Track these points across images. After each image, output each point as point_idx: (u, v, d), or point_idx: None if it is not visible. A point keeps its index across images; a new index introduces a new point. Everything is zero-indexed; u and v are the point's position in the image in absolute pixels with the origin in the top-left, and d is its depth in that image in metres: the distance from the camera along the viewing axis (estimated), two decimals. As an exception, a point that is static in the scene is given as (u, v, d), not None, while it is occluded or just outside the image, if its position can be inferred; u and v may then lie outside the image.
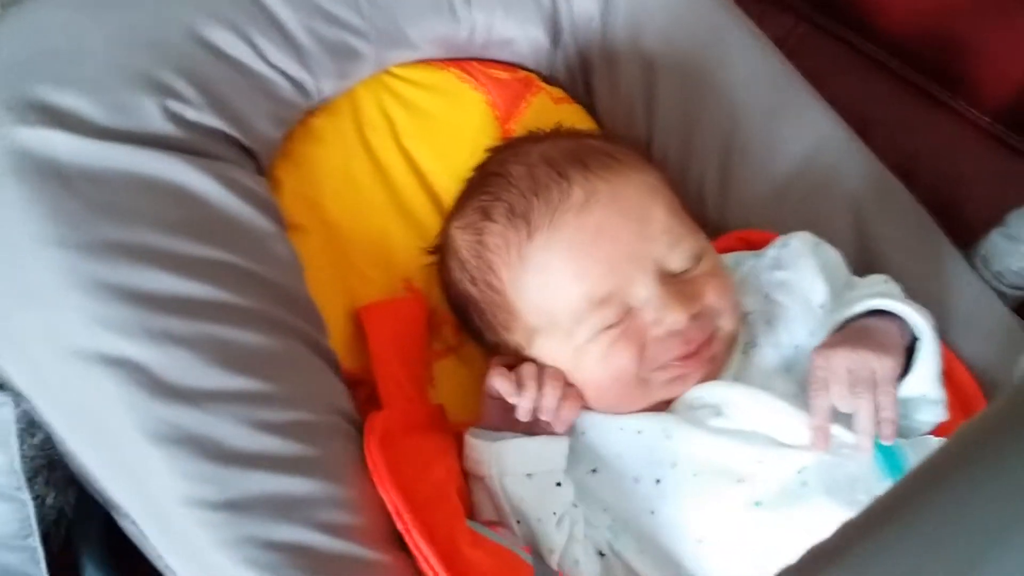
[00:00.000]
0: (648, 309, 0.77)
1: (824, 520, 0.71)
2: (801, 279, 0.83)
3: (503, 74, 0.98)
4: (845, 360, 0.73)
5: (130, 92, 0.76)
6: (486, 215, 0.82)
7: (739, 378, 0.79)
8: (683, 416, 0.78)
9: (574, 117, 1.00)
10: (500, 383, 0.78)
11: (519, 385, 0.78)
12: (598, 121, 1.02)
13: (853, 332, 0.76)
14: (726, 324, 0.80)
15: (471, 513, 0.79)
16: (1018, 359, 0.58)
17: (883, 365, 0.73)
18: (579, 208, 0.78)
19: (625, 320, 0.77)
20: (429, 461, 0.79)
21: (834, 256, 0.87)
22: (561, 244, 0.78)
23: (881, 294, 0.80)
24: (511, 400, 0.78)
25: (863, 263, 0.92)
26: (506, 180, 0.82)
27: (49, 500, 0.90)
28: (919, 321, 0.76)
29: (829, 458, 0.73)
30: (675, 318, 0.76)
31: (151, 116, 0.76)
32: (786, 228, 0.92)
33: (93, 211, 0.72)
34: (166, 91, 0.78)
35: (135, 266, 0.71)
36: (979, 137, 1.12)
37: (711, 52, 0.97)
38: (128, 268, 0.71)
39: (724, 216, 0.96)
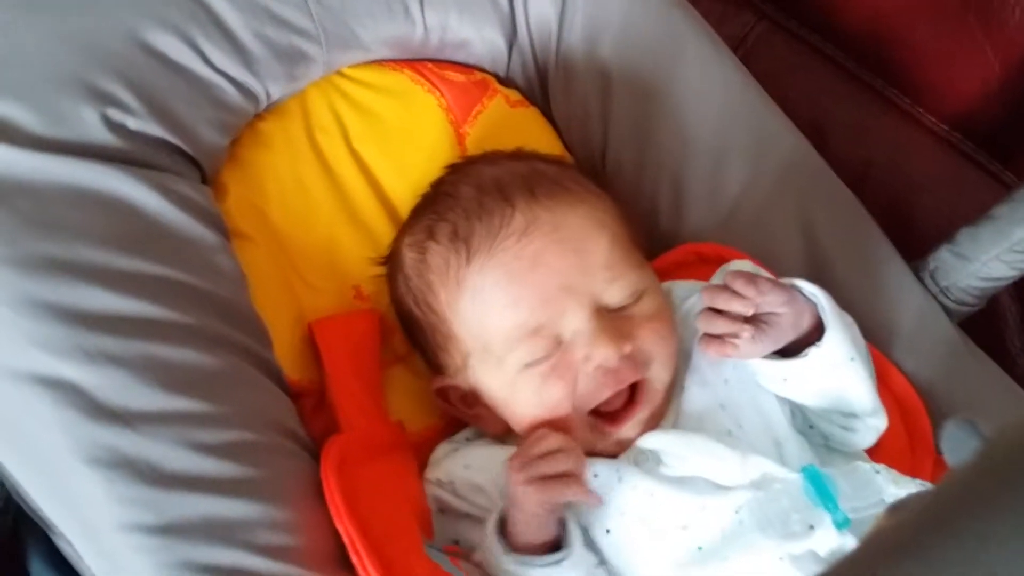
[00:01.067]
0: (579, 343, 0.76)
1: (760, 556, 0.72)
2: None
3: (458, 76, 0.96)
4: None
5: (68, 100, 0.74)
6: (431, 235, 0.81)
7: (676, 424, 0.79)
8: (630, 464, 0.77)
9: (530, 121, 0.99)
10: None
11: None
12: (554, 125, 1.01)
13: None
14: (659, 374, 0.79)
15: (431, 533, 0.79)
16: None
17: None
18: (519, 235, 0.78)
19: (556, 354, 0.77)
20: (388, 486, 0.78)
21: None
22: (498, 271, 0.78)
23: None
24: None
25: (812, 274, 0.91)
26: (454, 200, 0.81)
27: None
28: (822, 299, 0.76)
29: (762, 495, 0.73)
30: (605, 354, 0.75)
31: (90, 125, 0.75)
32: (738, 240, 0.93)
33: (28, 226, 0.70)
34: (106, 99, 0.76)
35: (72, 283, 0.70)
36: (934, 143, 1.12)
37: (667, 62, 0.96)
38: (64, 286, 0.70)
39: (677, 228, 0.96)
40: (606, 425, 0.78)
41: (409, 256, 0.83)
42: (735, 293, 0.73)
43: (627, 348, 0.76)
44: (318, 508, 0.73)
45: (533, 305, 0.76)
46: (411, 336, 0.86)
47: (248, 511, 0.70)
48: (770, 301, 0.74)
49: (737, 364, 0.80)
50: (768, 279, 0.76)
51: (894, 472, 0.77)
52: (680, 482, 0.75)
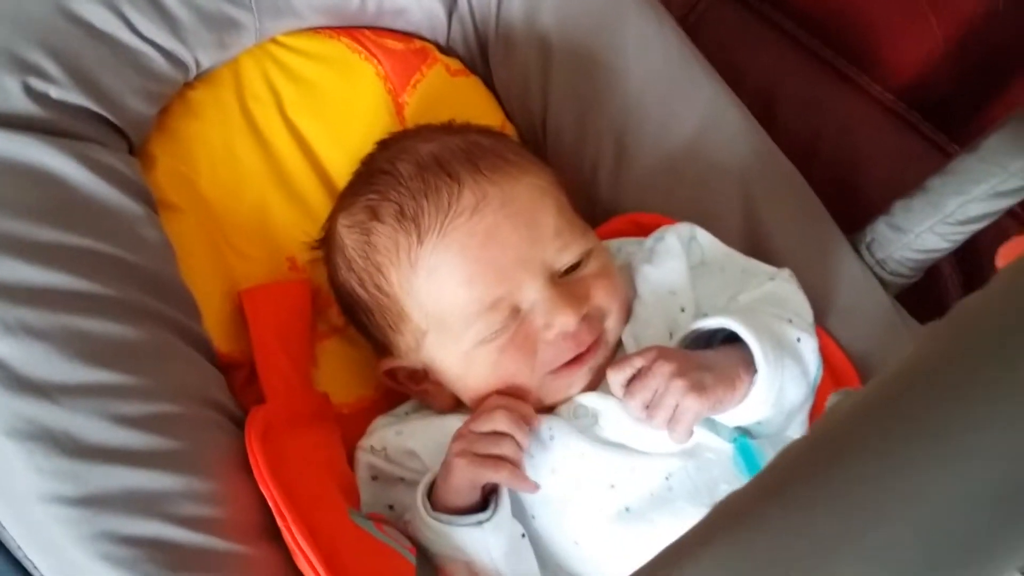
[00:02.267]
0: (538, 312, 0.77)
1: (686, 523, 0.73)
2: (663, 279, 0.83)
3: (397, 44, 0.96)
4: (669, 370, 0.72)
5: None
6: (375, 215, 0.81)
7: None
8: (566, 421, 0.78)
9: (471, 90, 0.99)
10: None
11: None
12: (495, 93, 1.00)
13: (695, 357, 0.75)
14: (613, 325, 0.80)
15: (356, 502, 0.80)
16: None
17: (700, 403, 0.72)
18: (470, 213, 0.78)
19: (514, 325, 0.77)
20: (312, 456, 0.79)
21: (715, 248, 0.87)
22: (452, 249, 0.78)
23: (753, 303, 0.81)
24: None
25: (751, 246, 0.92)
26: (395, 179, 0.81)
27: None
28: (759, 354, 0.74)
29: (692, 464, 0.74)
30: (565, 320, 0.76)
31: (11, 95, 0.74)
32: (678, 210, 0.93)
33: None
34: (28, 68, 0.75)
35: None
36: (882, 114, 1.12)
37: (608, 31, 0.95)
38: None
39: (617, 197, 0.96)
40: (564, 371, 0.78)
41: (351, 238, 0.83)
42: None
43: (584, 310, 0.78)
44: (244, 480, 0.74)
45: (489, 280, 0.77)
46: (353, 317, 0.86)
47: (170, 483, 0.70)
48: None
49: (672, 333, 0.81)
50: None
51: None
52: (609, 444, 0.77)
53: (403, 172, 0.81)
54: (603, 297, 0.79)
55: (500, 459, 0.73)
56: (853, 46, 1.12)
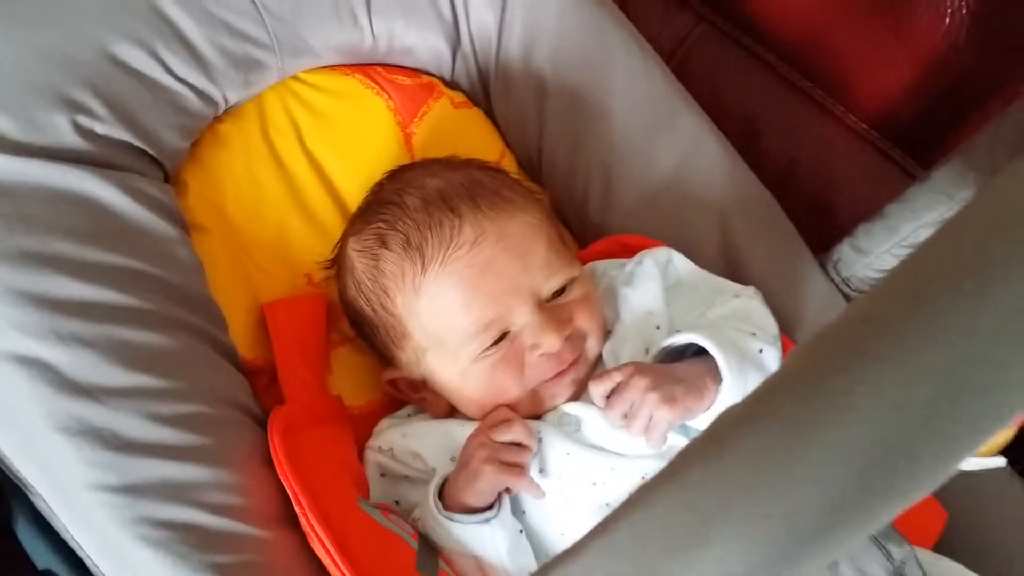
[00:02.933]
0: (526, 334, 0.85)
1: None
2: (640, 300, 0.92)
3: (406, 80, 1.05)
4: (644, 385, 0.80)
5: (43, 109, 0.82)
6: (383, 243, 0.89)
7: None
8: (553, 426, 0.87)
9: (473, 121, 1.08)
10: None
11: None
12: (495, 124, 1.09)
13: (667, 370, 0.83)
14: (592, 346, 0.89)
15: (366, 493, 0.88)
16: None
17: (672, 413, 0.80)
18: (469, 246, 0.86)
19: (505, 344, 0.86)
20: (326, 452, 0.88)
21: (690, 270, 0.95)
22: (452, 278, 0.86)
23: (720, 319, 0.89)
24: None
25: (727, 266, 1.01)
26: (402, 211, 0.89)
27: None
28: (723, 365, 0.82)
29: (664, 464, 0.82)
30: (550, 342, 0.85)
31: (62, 131, 0.83)
32: (660, 234, 1.02)
33: (8, 223, 0.79)
34: (76, 107, 0.84)
35: (46, 274, 0.78)
36: (855, 140, 1.19)
37: (598, 68, 1.04)
38: (39, 276, 0.78)
39: (605, 221, 1.05)
40: (553, 382, 0.87)
41: (361, 261, 0.91)
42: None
43: (567, 332, 0.86)
44: (265, 473, 0.82)
45: (484, 305, 0.85)
46: (360, 330, 0.95)
47: (200, 474, 0.79)
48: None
49: (648, 348, 0.90)
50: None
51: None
52: (591, 447, 0.85)
53: (410, 204, 0.90)
54: (584, 320, 0.88)
55: (520, 467, 0.82)
56: (829, 77, 1.20)
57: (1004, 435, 0.61)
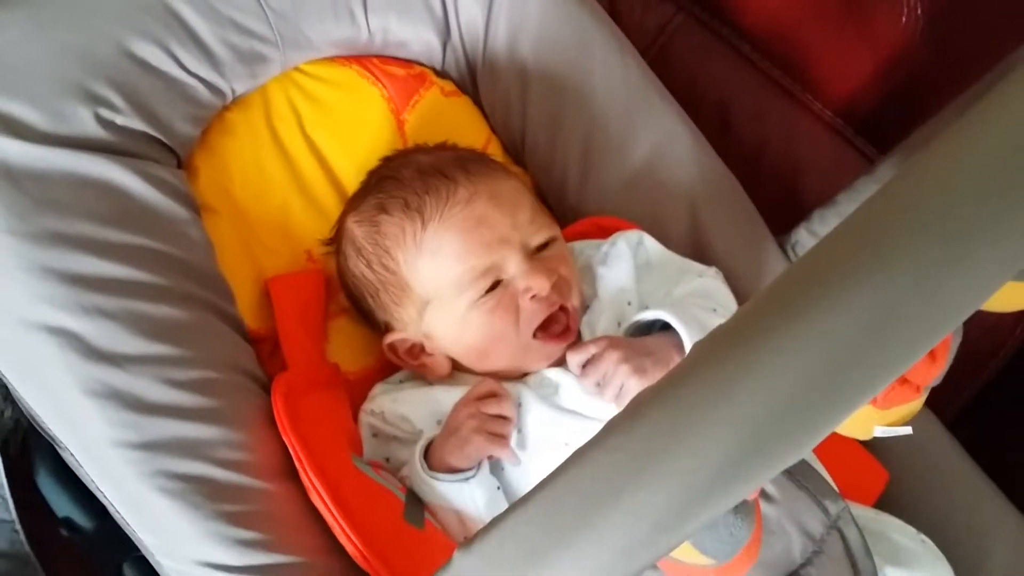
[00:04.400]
0: (519, 279, 0.94)
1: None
2: (614, 278, 1.00)
3: (399, 70, 1.13)
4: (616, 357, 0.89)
5: (67, 102, 0.90)
6: (383, 209, 0.98)
7: None
8: (532, 389, 0.95)
9: (462, 108, 1.16)
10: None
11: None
12: (482, 111, 1.17)
13: (637, 344, 0.92)
14: (575, 302, 0.98)
15: (360, 451, 0.97)
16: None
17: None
18: (465, 203, 0.96)
19: (499, 291, 0.95)
20: (324, 413, 0.96)
21: (658, 251, 1.04)
22: (451, 232, 0.95)
23: (685, 296, 0.97)
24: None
25: (695, 249, 1.09)
26: (399, 182, 0.99)
27: (7, 413, 1.06)
28: (687, 340, 0.91)
29: None
30: (539, 283, 0.94)
31: (85, 122, 0.91)
32: (633, 216, 1.10)
33: (37, 206, 0.87)
34: (98, 100, 0.92)
35: (72, 252, 0.87)
36: (821, 128, 1.27)
37: (577, 60, 1.12)
38: (66, 254, 0.86)
39: (582, 203, 1.13)
40: (554, 342, 0.96)
41: (360, 230, 1.00)
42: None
43: (554, 277, 0.95)
44: (268, 432, 0.91)
45: (480, 254, 0.95)
46: (358, 302, 1.03)
47: (210, 433, 0.88)
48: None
49: (621, 323, 0.99)
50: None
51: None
52: (566, 411, 0.94)
53: (406, 176, 0.99)
54: (566, 271, 0.98)
55: (504, 437, 0.91)
56: (798, 67, 1.27)
57: (911, 406, 0.70)
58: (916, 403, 0.69)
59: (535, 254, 0.97)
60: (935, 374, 0.65)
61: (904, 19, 1.13)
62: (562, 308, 0.97)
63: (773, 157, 1.28)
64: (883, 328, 0.46)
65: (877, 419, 0.69)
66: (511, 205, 0.98)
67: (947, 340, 0.64)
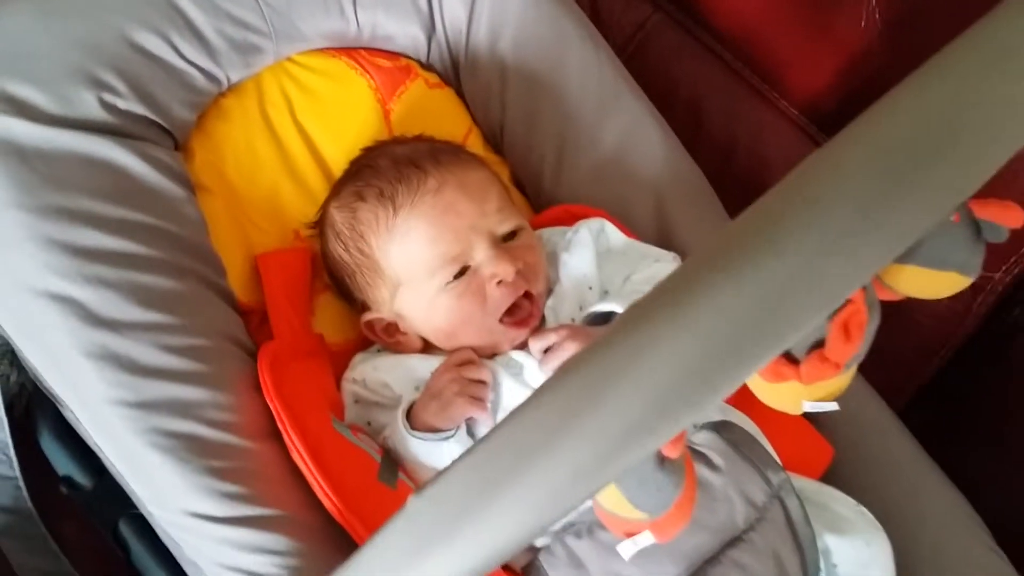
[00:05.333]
0: (486, 265, 1.00)
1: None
2: (577, 265, 1.07)
3: (386, 62, 1.20)
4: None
5: (73, 87, 0.97)
6: (360, 197, 1.05)
7: None
8: (501, 367, 1.01)
9: (445, 99, 1.23)
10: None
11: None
12: (465, 103, 1.24)
13: (595, 334, 0.96)
14: (541, 289, 1.03)
15: (341, 416, 1.04)
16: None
17: None
18: (434, 192, 1.02)
19: (467, 276, 1.01)
20: (307, 381, 1.02)
21: (619, 238, 1.10)
22: (420, 218, 1.02)
23: (641, 283, 1.04)
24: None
25: (661, 238, 1.16)
26: (375, 171, 1.05)
27: (12, 377, 1.13)
28: None
29: None
30: (505, 270, 1.00)
31: (90, 106, 0.97)
32: (602, 204, 1.17)
33: (44, 182, 0.93)
34: (102, 86, 0.98)
35: (75, 226, 0.93)
36: (788, 125, 1.33)
37: (554, 57, 1.19)
38: (70, 227, 0.93)
39: (556, 190, 1.20)
40: (518, 328, 1.02)
41: (340, 215, 1.06)
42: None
43: (519, 265, 1.01)
44: (254, 396, 0.98)
45: (448, 240, 1.01)
46: (339, 284, 1.10)
47: (200, 395, 0.94)
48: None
49: (583, 308, 1.06)
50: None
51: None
52: (533, 388, 1.01)
53: (382, 165, 1.05)
54: (532, 259, 1.03)
55: (483, 400, 0.98)
56: (766, 67, 1.33)
57: (836, 383, 0.76)
58: (841, 380, 0.75)
59: (503, 242, 1.03)
60: (852, 352, 0.71)
61: (864, 23, 1.20)
62: (527, 295, 1.03)
63: (742, 152, 1.35)
64: (772, 307, 0.53)
65: (804, 394, 0.75)
66: (479, 194, 1.03)
67: (862, 320, 0.70)
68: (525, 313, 1.02)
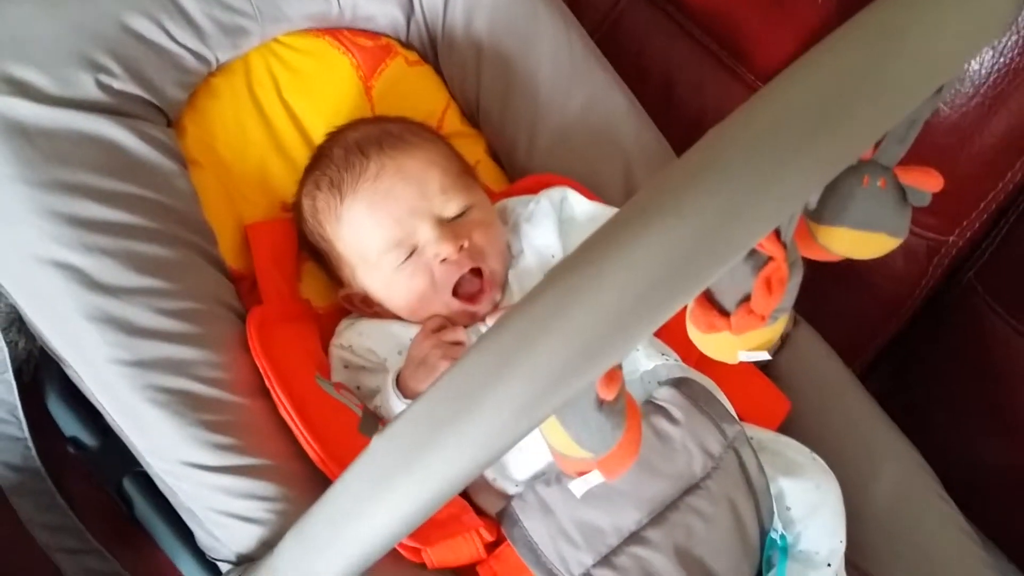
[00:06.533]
0: (429, 246, 1.07)
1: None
2: (539, 235, 1.13)
3: (367, 42, 1.26)
4: None
5: (72, 69, 1.03)
6: (317, 186, 1.12)
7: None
8: (474, 335, 1.07)
9: (424, 77, 1.29)
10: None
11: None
12: (443, 79, 1.31)
13: None
14: (492, 264, 1.08)
15: (325, 375, 1.11)
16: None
17: None
18: (373, 178, 1.08)
19: (414, 257, 1.07)
20: (293, 342, 1.09)
21: (584, 206, 1.16)
22: (362, 204, 1.08)
23: None
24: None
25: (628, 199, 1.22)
26: (329, 160, 1.12)
27: (21, 344, 1.22)
28: None
29: None
30: (447, 249, 1.06)
31: (87, 87, 1.04)
32: (573, 172, 1.23)
33: (46, 158, 0.99)
34: (99, 68, 1.05)
35: (76, 199, 0.99)
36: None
37: (526, 35, 1.25)
38: (71, 200, 0.99)
39: (530, 162, 1.27)
40: (469, 304, 1.09)
41: (305, 203, 1.14)
42: None
43: (463, 243, 1.06)
44: (244, 355, 1.04)
45: (390, 225, 1.07)
46: (318, 261, 1.17)
47: (193, 354, 1.00)
48: None
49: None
50: None
51: (652, 349, 1.10)
52: None
53: (335, 154, 1.12)
54: (480, 236, 1.08)
55: None
56: (733, 42, 1.39)
57: (766, 334, 0.83)
58: (769, 331, 0.82)
59: (450, 221, 1.07)
60: (774, 304, 0.77)
61: (819, 0, 1.26)
62: (476, 270, 1.07)
63: (711, 124, 1.37)
64: (676, 263, 0.61)
65: (738, 344, 0.82)
66: (419, 178, 1.08)
67: (783, 276, 0.77)
68: (474, 288, 1.08)
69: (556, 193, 1.17)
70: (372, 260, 1.09)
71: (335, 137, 1.16)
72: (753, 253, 0.76)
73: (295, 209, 1.18)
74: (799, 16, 1.29)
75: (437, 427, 0.66)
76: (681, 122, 1.37)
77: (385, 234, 1.08)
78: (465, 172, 1.15)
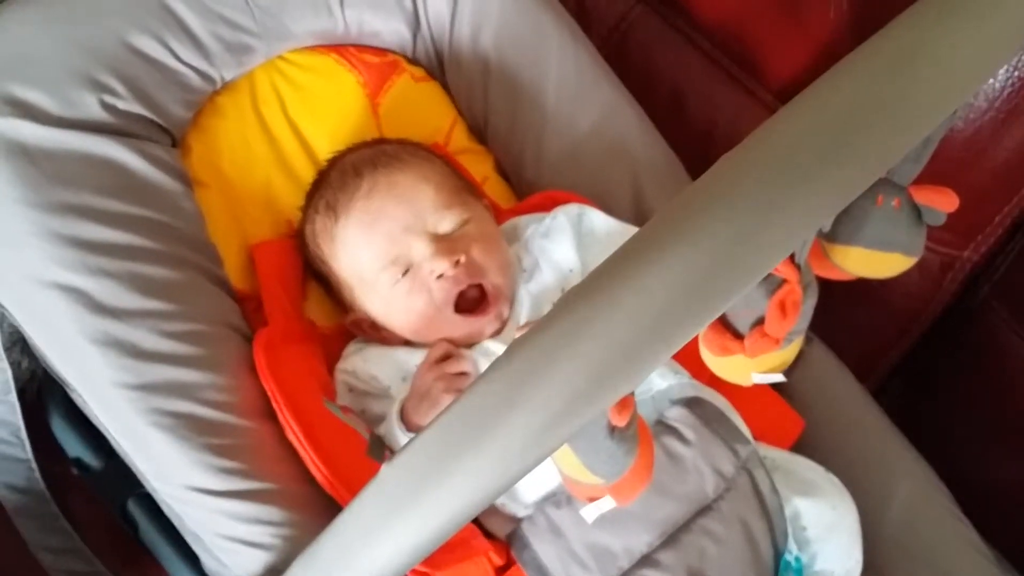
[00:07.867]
0: (425, 263, 1.05)
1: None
2: (556, 249, 1.12)
3: (374, 58, 1.25)
4: None
5: (76, 89, 1.02)
6: (315, 209, 1.11)
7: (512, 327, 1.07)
8: (481, 356, 1.06)
9: (431, 93, 1.28)
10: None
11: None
12: (450, 95, 1.29)
13: None
14: (494, 278, 1.06)
15: (331, 397, 1.10)
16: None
17: None
18: (364, 197, 1.07)
19: (411, 274, 1.06)
20: (299, 363, 1.07)
21: (601, 221, 1.15)
22: (355, 224, 1.07)
23: None
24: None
25: (637, 218, 1.21)
26: (327, 182, 1.11)
27: (24, 364, 1.18)
28: None
29: None
30: (443, 265, 1.04)
31: (91, 107, 1.03)
32: (581, 189, 1.22)
33: (50, 180, 0.98)
34: (102, 88, 1.04)
35: (79, 220, 0.98)
36: (764, 112, 1.37)
37: (534, 49, 1.24)
38: (75, 222, 0.98)
39: (538, 178, 1.25)
40: (472, 317, 1.07)
41: (307, 229, 1.13)
42: None
43: (460, 259, 1.04)
44: (250, 378, 1.03)
45: (383, 243, 1.06)
46: (324, 287, 1.16)
47: (199, 377, 0.99)
48: None
49: (564, 291, 1.11)
50: None
51: (666, 367, 1.08)
52: None
53: (332, 177, 1.11)
54: (478, 251, 1.05)
55: None
56: (743, 55, 1.38)
57: (780, 356, 0.82)
58: (784, 353, 0.81)
59: (446, 237, 1.06)
60: (788, 327, 0.76)
61: (832, 13, 1.24)
62: (477, 286, 1.05)
63: (721, 138, 1.39)
64: (690, 291, 0.59)
65: (751, 367, 0.81)
66: (410, 195, 1.06)
67: (797, 299, 0.75)
68: (473, 302, 1.07)
69: (573, 208, 1.15)
70: (369, 279, 1.08)
71: (334, 161, 1.15)
72: (767, 276, 0.75)
73: (299, 236, 1.17)
74: (810, 28, 1.28)
75: (448, 456, 0.64)
76: (691, 136, 1.36)
77: (379, 252, 1.06)
78: (463, 188, 1.13)
